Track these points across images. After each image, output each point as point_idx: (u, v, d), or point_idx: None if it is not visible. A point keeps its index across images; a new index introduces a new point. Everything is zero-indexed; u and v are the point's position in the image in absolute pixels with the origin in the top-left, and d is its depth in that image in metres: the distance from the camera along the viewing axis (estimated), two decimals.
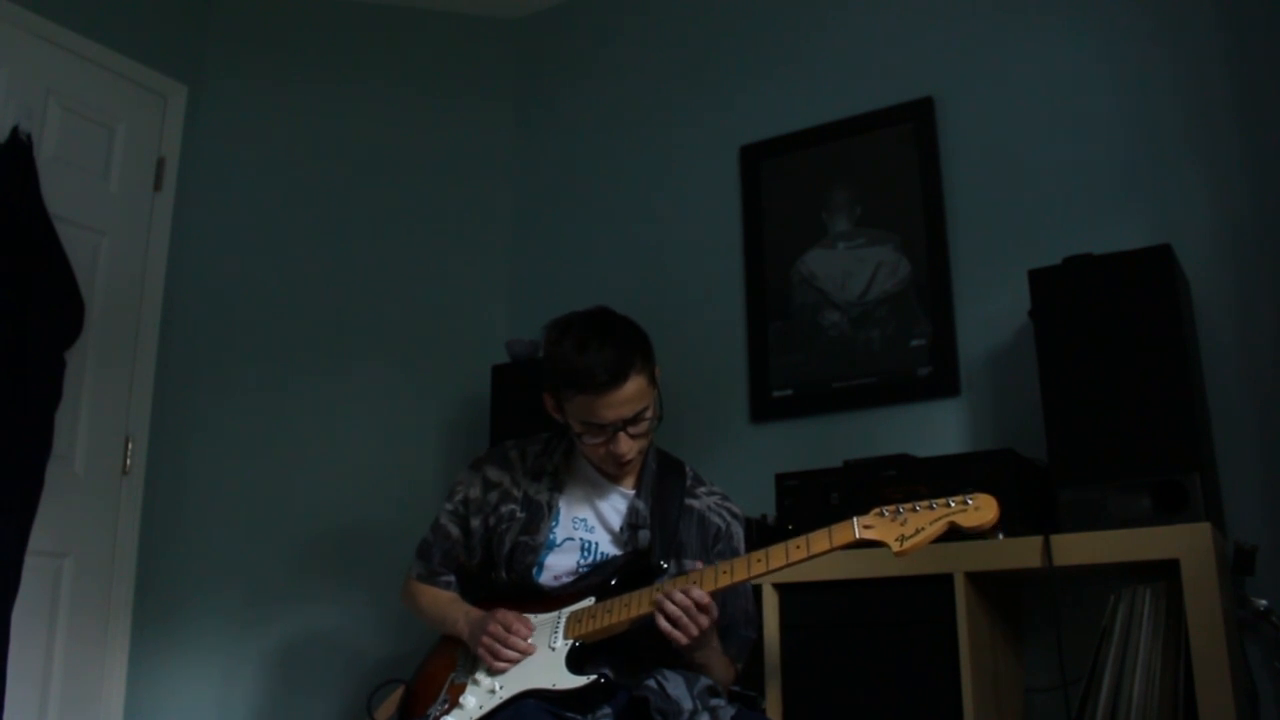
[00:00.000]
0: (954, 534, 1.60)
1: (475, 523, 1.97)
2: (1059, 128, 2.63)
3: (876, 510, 1.64)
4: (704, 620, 1.67)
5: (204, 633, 2.99)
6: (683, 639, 1.67)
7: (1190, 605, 1.88)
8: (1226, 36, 2.48)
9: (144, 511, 3.03)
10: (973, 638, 2.06)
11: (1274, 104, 2.40)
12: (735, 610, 1.90)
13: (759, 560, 1.68)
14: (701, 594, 1.67)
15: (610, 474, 1.93)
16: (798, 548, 1.66)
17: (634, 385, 1.79)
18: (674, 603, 1.66)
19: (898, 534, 1.59)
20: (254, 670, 2.99)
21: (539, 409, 1.93)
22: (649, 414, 1.84)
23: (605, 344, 1.79)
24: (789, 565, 1.67)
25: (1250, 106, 2.43)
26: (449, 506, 2.02)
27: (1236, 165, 2.42)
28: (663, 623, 1.66)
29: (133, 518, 3.01)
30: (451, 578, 2.01)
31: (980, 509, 1.58)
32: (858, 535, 1.62)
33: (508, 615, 1.79)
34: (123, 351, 3.05)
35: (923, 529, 1.58)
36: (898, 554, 1.58)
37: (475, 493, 1.99)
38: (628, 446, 1.83)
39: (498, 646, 1.76)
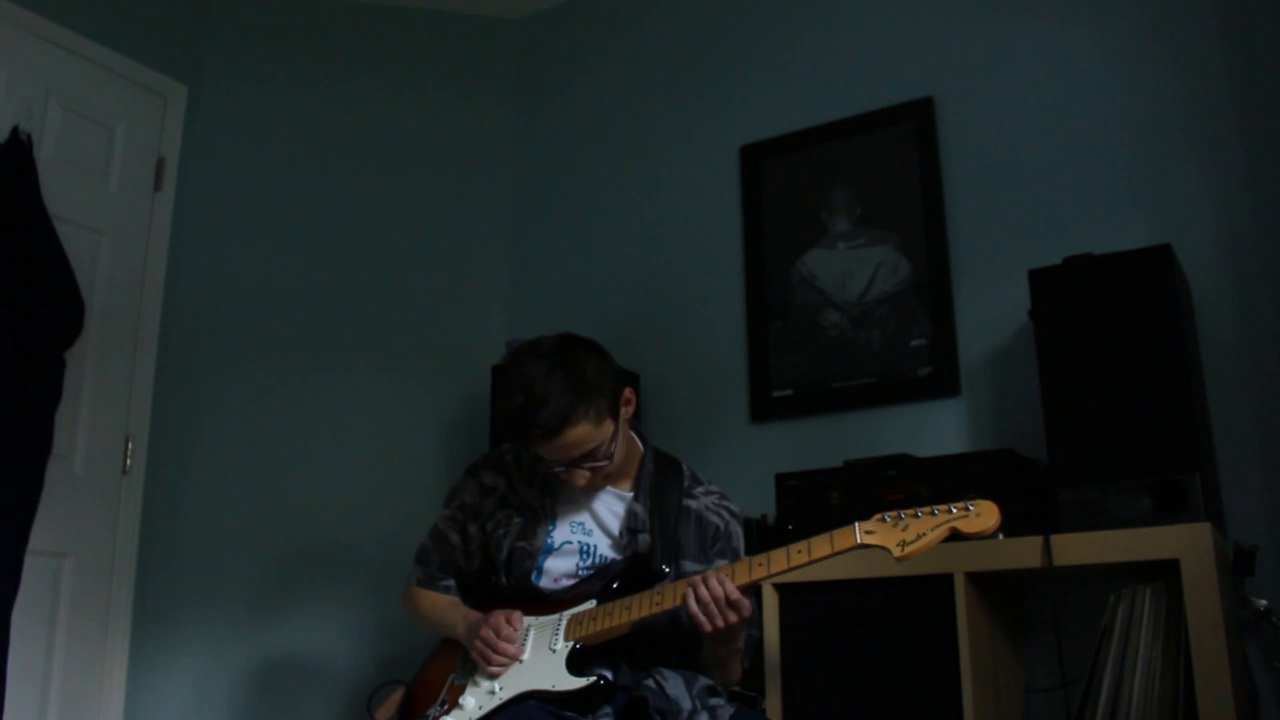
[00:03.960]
0: (956, 539, 1.61)
1: (473, 528, 1.97)
2: (1059, 128, 2.63)
3: (878, 516, 1.64)
4: (731, 616, 1.66)
5: (204, 633, 2.98)
6: (707, 625, 1.67)
7: (1190, 605, 1.88)
8: (1226, 36, 2.48)
9: (144, 511, 3.03)
10: (973, 638, 2.06)
11: (1274, 104, 2.40)
12: None
13: (760, 564, 1.68)
14: (734, 589, 1.66)
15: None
16: (799, 552, 1.66)
17: (576, 433, 1.77)
18: (707, 589, 1.66)
19: (899, 539, 1.60)
20: (254, 670, 2.99)
21: None
22: (602, 451, 1.82)
23: (548, 393, 1.74)
24: (790, 569, 1.67)
25: (1250, 106, 2.43)
26: (446, 512, 2.02)
27: (1236, 165, 2.42)
28: (693, 605, 1.67)
29: (133, 518, 3.01)
30: (451, 582, 2.01)
31: (982, 515, 1.58)
32: (859, 540, 1.62)
33: (499, 618, 1.80)
34: (123, 351, 3.05)
35: (924, 535, 1.58)
36: (899, 559, 1.58)
37: (472, 498, 1.99)
38: (582, 479, 1.83)
39: (488, 651, 1.77)
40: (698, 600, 1.66)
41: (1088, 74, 2.62)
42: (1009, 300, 2.52)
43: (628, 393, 1.89)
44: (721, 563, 1.85)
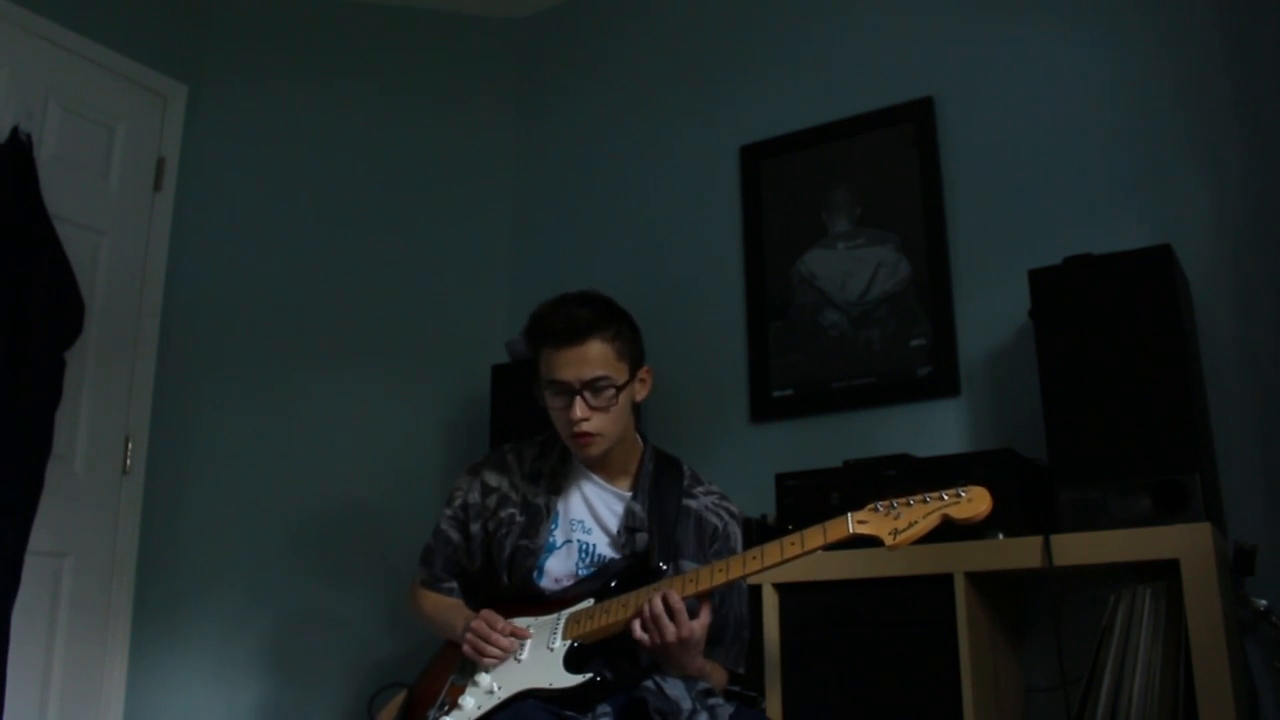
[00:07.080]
0: (949, 527, 1.60)
1: (475, 528, 1.98)
2: (1059, 128, 2.62)
3: (871, 505, 1.64)
4: (669, 628, 1.66)
5: (204, 633, 2.99)
6: (647, 641, 1.68)
7: (1190, 605, 1.88)
8: (1226, 37, 2.48)
9: (144, 511, 3.03)
10: (973, 638, 2.06)
11: (1274, 104, 2.40)
12: (729, 613, 1.90)
13: (754, 558, 1.68)
14: (676, 599, 1.67)
15: (581, 456, 1.92)
16: (792, 544, 1.66)
17: (596, 349, 1.82)
18: (652, 608, 1.67)
19: (891, 528, 1.60)
20: (254, 671, 2.99)
21: (538, 409, 1.93)
22: (611, 387, 1.83)
23: (582, 304, 1.85)
24: (784, 561, 1.67)
25: (1250, 106, 2.43)
26: (448, 512, 2.02)
27: (1236, 165, 2.42)
28: (636, 628, 1.68)
29: (133, 518, 3.01)
30: (454, 584, 2.01)
31: (973, 500, 1.58)
32: (852, 530, 1.63)
33: (491, 613, 1.81)
34: (123, 351, 3.05)
35: (916, 522, 1.59)
36: (891, 547, 1.58)
37: (474, 498, 1.99)
38: (582, 413, 1.82)
39: (480, 642, 1.77)
40: (641, 622, 1.68)
41: (1087, 74, 2.62)
42: (1009, 300, 2.52)
43: (646, 371, 1.93)
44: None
